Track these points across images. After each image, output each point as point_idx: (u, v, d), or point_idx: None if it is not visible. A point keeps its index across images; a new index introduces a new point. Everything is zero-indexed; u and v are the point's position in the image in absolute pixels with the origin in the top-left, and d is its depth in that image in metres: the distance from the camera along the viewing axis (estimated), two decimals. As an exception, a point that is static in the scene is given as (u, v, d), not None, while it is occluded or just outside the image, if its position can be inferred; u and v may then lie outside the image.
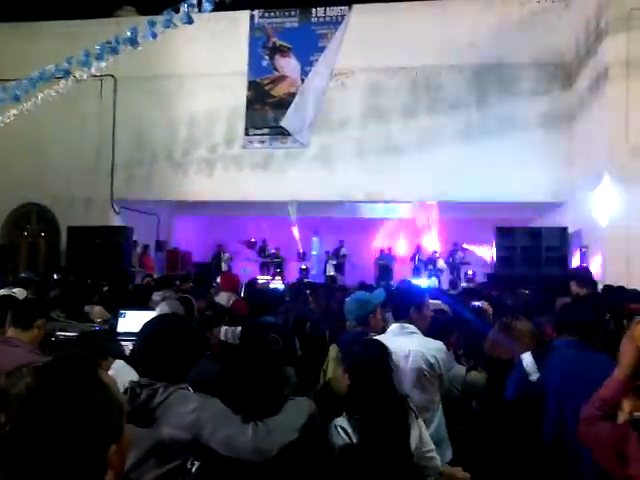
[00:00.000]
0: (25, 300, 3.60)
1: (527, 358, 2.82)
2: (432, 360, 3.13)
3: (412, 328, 3.24)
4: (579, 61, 11.62)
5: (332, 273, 15.91)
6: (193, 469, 2.18)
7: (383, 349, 2.70)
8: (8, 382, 1.03)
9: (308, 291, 7.08)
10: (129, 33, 7.16)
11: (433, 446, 2.68)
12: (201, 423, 2.15)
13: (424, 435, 2.63)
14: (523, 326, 3.08)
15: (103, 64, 7.80)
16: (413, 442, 2.53)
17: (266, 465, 2.17)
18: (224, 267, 16.07)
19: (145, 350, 2.34)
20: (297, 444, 2.23)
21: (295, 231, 16.74)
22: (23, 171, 13.83)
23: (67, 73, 7.97)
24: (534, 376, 2.76)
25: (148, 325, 2.50)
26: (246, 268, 16.03)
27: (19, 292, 5.42)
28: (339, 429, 2.45)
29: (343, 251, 16.67)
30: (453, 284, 14.40)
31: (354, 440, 2.42)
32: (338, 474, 2.39)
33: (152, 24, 6.84)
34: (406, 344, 3.13)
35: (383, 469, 2.36)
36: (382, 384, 2.57)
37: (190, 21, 6.47)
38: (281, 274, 16.45)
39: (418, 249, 16.33)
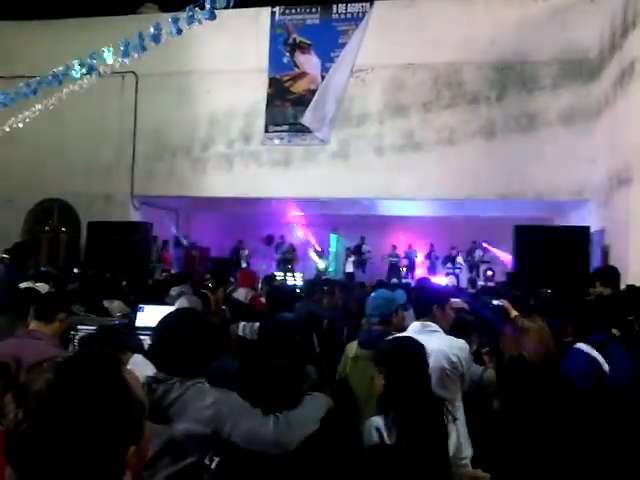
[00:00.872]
0: (48, 293, 3.64)
1: (586, 348, 2.74)
2: (454, 359, 3.09)
3: (433, 326, 3.19)
4: (603, 57, 11.43)
5: (351, 270, 15.90)
6: (212, 465, 2.16)
7: (419, 347, 2.65)
8: (28, 377, 1.01)
9: (325, 288, 7.05)
10: (152, 30, 7.17)
11: (467, 452, 2.63)
12: (221, 417, 2.13)
13: (461, 441, 2.58)
14: (532, 324, 3.02)
15: (126, 60, 7.83)
16: (451, 448, 2.49)
17: (285, 459, 2.15)
18: (243, 263, 16.13)
19: (162, 344, 2.33)
20: (316, 437, 2.21)
21: (313, 228, 16.76)
22: (45, 167, 14.00)
23: (92, 69, 8.00)
24: (606, 366, 2.68)
25: (165, 319, 2.49)
26: (262, 264, 16.07)
27: (41, 286, 5.48)
28: (373, 430, 2.40)
29: (364, 248, 16.62)
30: (472, 282, 14.30)
31: (387, 442, 2.37)
32: (368, 475, 2.35)
33: (175, 21, 6.84)
34: (428, 343, 3.09)
35: (419, 475, 2.30)
36: (419, 384, 2.52)
37: (213, 17, 6.45)
38: (296, 271, 16.47)
39: (432, 247, 16.25)
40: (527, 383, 2.88)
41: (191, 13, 6.70)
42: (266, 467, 2.15)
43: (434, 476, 2.34)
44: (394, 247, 16.70)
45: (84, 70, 7.88)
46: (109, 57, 7.53)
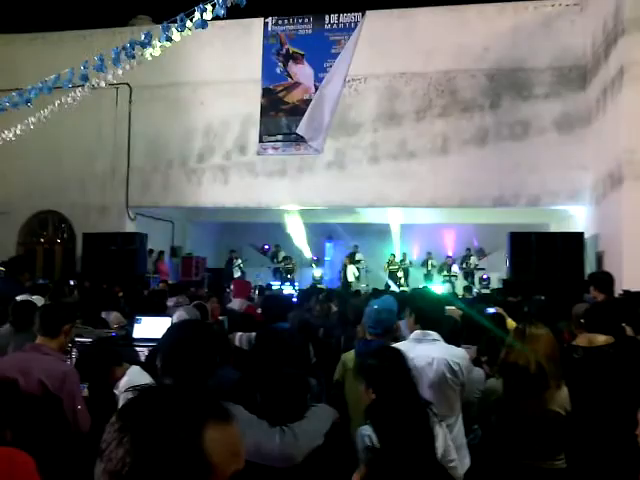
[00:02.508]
0: (49, 307, 3.61)
1: None
2: (455, 367, 3.11)
3: (435, 335, 3.20)
4: (594, 64, 11.54)
5: (352, 279, 15.92)
6: None
7: (399, 356, 2.68)
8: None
9: (320, 296, 7.07)
10: (143, 37, 7.21)
11: (455, 455, 2.65)
12: None
13: (448, 443, 2.61)
14: (538, 331, 3.05)
15: (120, 71, 7.85)
16: (439, 450, 2.51)
17: (291, 472, 2.16)
18: (237, 273, 16.12)
19: (170, 354, 2.34)
20: (321, 450, 2.23)
21: (308, 237, 16.77)
22: (40, 179, 13.99)
23: (85, 78, 8.01)
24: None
25: (173, 329, 2.51)
26: (258, 274, 16.06)
27: (37, 299, 5.48)
28: (365, 438, 2.42)
29: (358, 256, 16.66)
30: (468, 290, 14.33)
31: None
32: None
33: (166, 29, 6.88)
34: (429, 351, 3.11)
35: (409, 476, 2.33)
36: (407, 394, 2.55)
37: (204, 26, 6.49)
38: (292, 280, 16.48)
39: (428, 255, 16.29)
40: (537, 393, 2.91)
41: (182, 22, 6.74)
42: (274, 474, 2.16)
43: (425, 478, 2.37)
44: (393, 255, 16.73)
45: (77, 79, 7.90)
46: (100, 65, 7.55)
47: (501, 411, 3.07)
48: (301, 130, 12.69)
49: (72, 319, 3.74)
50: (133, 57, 7.46)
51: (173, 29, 6.91)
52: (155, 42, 7.31)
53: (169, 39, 7.09)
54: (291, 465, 2.16)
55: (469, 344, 3.99)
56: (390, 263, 16.55)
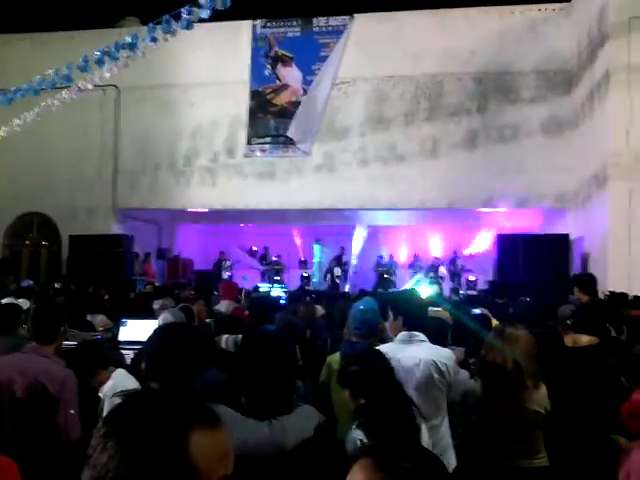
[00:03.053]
0: (42, 311, 3.53)
1: None
2: (443, 368, 3.13)
3: (421, 336, 3.22)
4: (580, 68, 11.65)
5: (338, 281, 15.93)
6: None
7: (381, 357, 2.69)
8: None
9: (307, 298, 7.07)
10: (129, 39, 7.19)
11: (451, 462, 2.66)
12: None
13: (428, 442, 2.62)
14: (517, 332, 3.08)
15: (107, 74, 7.82)
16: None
17: (279, 465, 2.16)
18: (225, 275, 16.07)
19: (155, 358, 2.33)
20: (310, 446, 2.23)
21: (297, 239, 16.77)
22: (25, 180, 13.88)
23: (69, 79, 7.97)
24: None
25: (159, 332, 2.50)
26: (246, 276, 16.02)
27: (23, 302, 5.43)
28: (357, 442, 2.42)
29: (345, 258, 16.68)
30: (454, 291, 14.37)
31: None
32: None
33: (152, 29, 6.87)
34: (416, 352, 3.12)
35: None
36: (392, 392, 2.56)
37: (189, 27, 6.49)
38: (281, 282, 16.46)
39: (416, 257, 16.34)
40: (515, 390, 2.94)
41: (168, 24, 6.74)
42: (259, 474, 2.15)
43: None
44: (381, 257, 16.75)
45: (61, 80, 7.85)
46: (84, 66, 7.51)
47: (480, 411, 3.09)
48: (291, 133, 12.73)
49: (65, 320, 3.73)
50: (118, 59, 7.43)
51: (159, 30, 6.90)
52: (142, 44, 7.30)
53: (154, 40, 7.08)
54: (280, 453, 2.16)
55: (456, 345, 4.01)
56: (378, 265, 16.57)
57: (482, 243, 15.22)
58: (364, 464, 1.09)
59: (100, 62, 7.36)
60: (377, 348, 3.03)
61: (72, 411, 3.14)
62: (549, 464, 2.87)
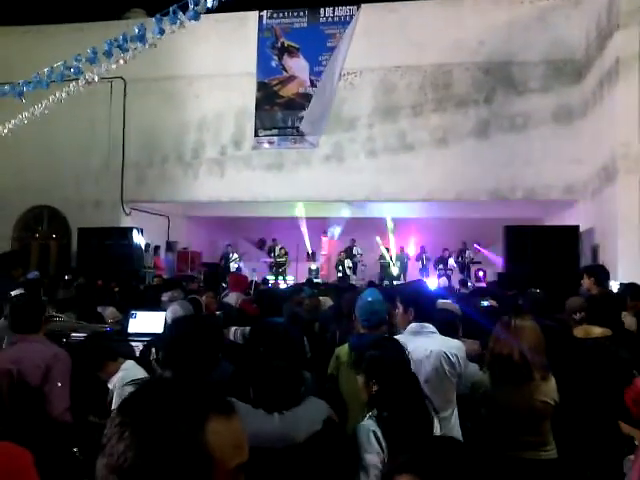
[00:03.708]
0: (23, 305, 3.59)
1: None
2: (453, 359, 3.12)
3: (431, 327, 3.21)
4: (589, 57, 11.54)
5: (348, 273, 15.93)
6: None
7: (399, 346, 2.67)
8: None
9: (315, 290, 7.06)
10: (137, 31, 7.17)
11: None
12: None
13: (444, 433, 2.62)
14: (523, 323, 3.06)
15: (113, 65, 7.81)
16: None
17: (289, 458, 2.16)
18: (233, 267, 16.11)
19: (173, 346, 2.35)
20: (321, 436, 2.23)
21: (304, 231, 16.76)
22: (34, 174, 13.93)
23: (78, 71, 7.97)
24: None
25: (179, 323, 2.52)
26: (256, 268, 16.06)
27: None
28: (370, 434, 2.41)
29: (355, 250, 16.66)
30: (463, 283, 14.34)
31: (383, 444, 2.37)
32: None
33: (159, 21, 6.85)
34: (427, 344, 3.12)
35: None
36: (410, 386, 2.55)
37: (197, 18, 6.46)
38: (285, 274, 16.49)
39: (422, 249, 16.30)
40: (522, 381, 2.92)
41: (175, 15, 6.71)
42: (268, 467, 2.15)
43: None
44: (387, 249, 16.74)
45: (70, 72, 7.85)
46: (93, 58, 7.51)
47: (488, 403, 3.08)
48: (305, 127, 12.71)
49: (44, 307, 3.78)
50: (126, 50, 7.42)
51: (166, 22, 6.88)
52: (148, 35, 7.28)
53: (162, 32, 7.06)
54: (292, 445, 2.16)
55: (467, 337, 3.99)
56: (384, 257, 16.56)
57: (491, 235, 15.14)
58: None
59: (108, 54, 7.35)
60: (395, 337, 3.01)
61: (59, 384, 3.21)
62: (557, 456, 2.86)
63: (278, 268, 16.68)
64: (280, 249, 17.03)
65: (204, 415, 0.97)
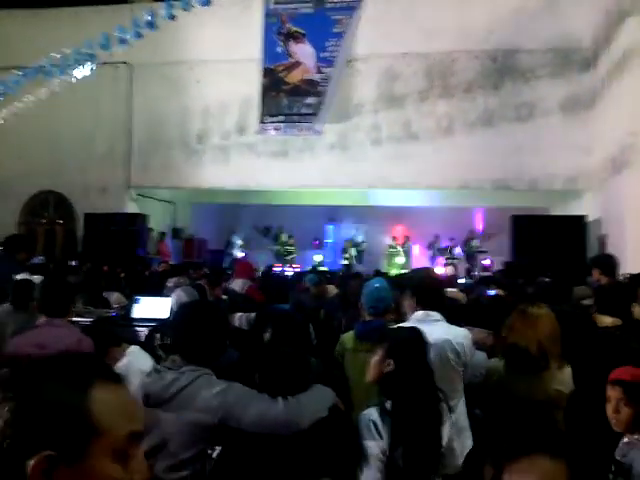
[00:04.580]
0: (56, 286, 3.53)
1: None
2: (459, 348, 3.09)
3: (437, 315, 3.17)
4: (598, 45, 11.40)
5: (353, 261, 15.93)
6: (214, 454, 2.17)
7: (422, 334, 2.65)
8: None
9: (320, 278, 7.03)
10: (148, 17, 7.13)
11: (466, 443, 2.63)
12: (227, 406, 2.15)
13: (456, 427, 2.60)
14: (539, 311, 3.03)
15: (119, 50, 7.79)
16: (445, 437, 2.49)
17: (292, 445, 2.15)
18: (238, 254, 16.12)
19: (182, 331, 2.35)
20: (325, 425, 2.22)
21: (309, 220, 16.75)
22: (40, 159, 13.92)
23: (92, 57, 7.96)
24: None
25: (187, 307, 2.53)
26: (261, 255, 16.07)
27: (37, 278, 5.46)
28: (370, 423, 2.40)
29: (359, 238, 16.65)
30: (469, 272, 14.32)
31: (383, 433, 2.36)
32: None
33: (170, 6, 6.81)
34: (432, 332, 3.08)
35: (412, 465, 2.31)
36: (425, 374, 2.52)
37: (207, 3, 6.43)
38: (294, 261, 16.51)
39: (436, 237, 16.25)
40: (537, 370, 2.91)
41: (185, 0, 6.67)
42: (271, 454, 2.15)
43: (426, 467, 2.35)
44: (394, 238, 16.72)
45: (83, 58, 7.83)
46: (105, 44, 7.49)
47: (502, 391, 3.06)
48: (321, 117, 12.66)
49: (74, 298, 3.74)
50: (140, 36, 7.40)
51: (177, 7, 6.84)
52: (159, 20, 7.25)
53: (172, 17, 7.03)
54: (297, 431, 2.15)
55: (472, 326, 3.97)
56: (394, 247, 16.54)
57: (497, 224, 15.08)
58: (540, 459, 1.08)
59: (122, 41, 7.33)
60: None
61: None
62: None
63: (286, 256, 16.71)
64: (289, 237, 17.05)
65: (88, 382, 0.95)
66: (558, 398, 2.90)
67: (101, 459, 0.94)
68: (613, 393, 2.40)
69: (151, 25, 7.03)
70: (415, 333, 2.65)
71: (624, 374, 2.40)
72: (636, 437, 2.31)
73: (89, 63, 8.20)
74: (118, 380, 1.01)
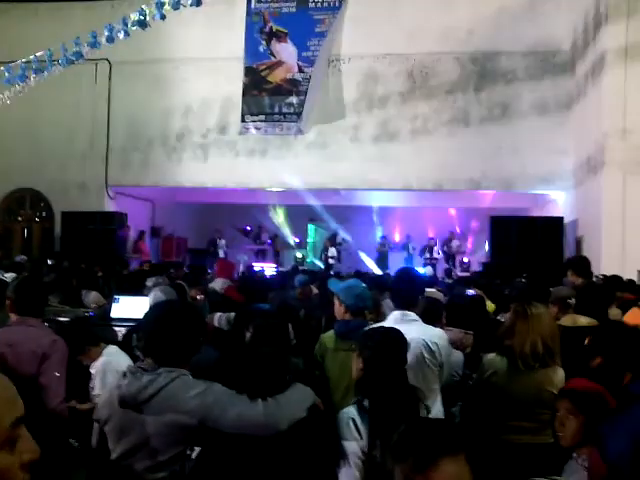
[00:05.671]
0: (30, 285, 3.45)
1: None
2: (434, 348, 3.11)
3: (413, 315, 3.21)
4: (577, 49, 11.56)
5: (331, 261, 15.95)
6: (193, 455, 2.16)
7: (403, 339, 2.66)
8: None
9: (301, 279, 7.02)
10: (138, 15, 7.05)
11: None
12: (206, 406, 2.13)
13: None
14: (539, 311, 3.07)
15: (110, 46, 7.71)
16: None
17: (271, 445, 2.15)
18: (221, 254, 16.05)
19: (153, 333, 2.31)
20: (304, 425, 2.22)
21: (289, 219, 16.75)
22: (17, 156, 13.73)
23: (80, 55, 7.86)
24: None
25: (156, 309, 2.48)
26: (243, 255, 16.02)
27: (10, 276, 5.39)
28: (350, 421, 2.40)
29: (339, 238, 16.68)
30: (448, 273, 14.43)
31: (362, 431, 2.37)
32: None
33: (161, 5, 6.74)
34: (408, 332, 3.09)
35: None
36: (396, 372, 2.53)
37: (198, 4, 6.39)
38: (277, 261, 16.50)
39: (408, 238, 16.35)
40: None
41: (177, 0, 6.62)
42: (250, 454, 2.15)
43: None
44: (384, 237, 16.80)
45: (72, 56, 7.73)
46: (93, 42, 7.40)
47: (495, 386, 3.09)
48: (304, 117, 12.64)
49: (47, 292, 3.68)
50: (128, 34, 7.32)
51: (167, 6, 6.78)
52: (150, 20, 7.18)
53: (163, 17, 6.97)
54: (275, 433, 2.15)
55: (451, 326, 4.01)
56: (382, 245, 16.61)
57: (476, 225, 15.24)
58: (443, 464, 1.11)
59: (110, 39, 7.24)
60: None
61: (57, 374, 3.11)
62: (554, 440, 2.86)
63: (276, 256, 16.80)
64: (276, 237, 17.10)
65: None
66: (548, 399, 2.93)
67: None
68: (561, 405, 2.43)
69: (143, 24, 6.95)
70: (386, 334, 2.66)
71: (575, 385, 2.44)
72: (580, 460, 2.32)
73: (81, 61, 8.10)
74: None
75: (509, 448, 2.97)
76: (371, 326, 3.08)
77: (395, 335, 2.65)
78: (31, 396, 2.94)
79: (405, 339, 2.66)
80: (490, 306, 5.05)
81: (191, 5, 6.48)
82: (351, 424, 2.38)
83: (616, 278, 5.44)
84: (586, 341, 3.03)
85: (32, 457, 1.00)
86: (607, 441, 1.99)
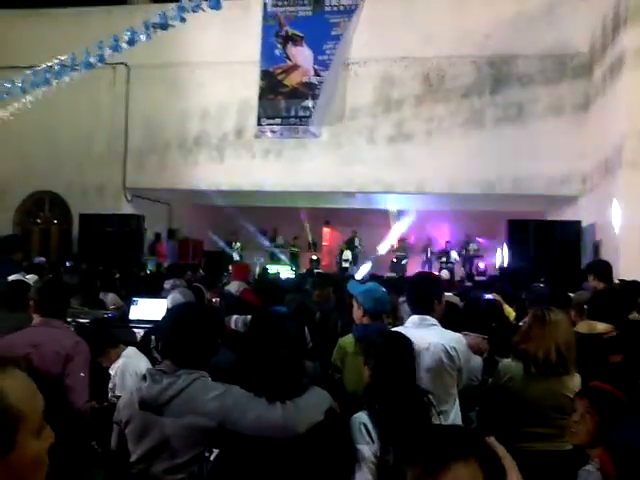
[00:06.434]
0: (54, 287, 3.49)
1: None
2: (452, 352, 3.09)
3: (432, 320, 3.18)
4: (595, 51, 11.46)
5: (348, 265, 15.93)
6: (211, 457, 2.17)
7: (407, 342, 2.66)
8: None
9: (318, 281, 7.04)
10: (159, 18, 7.15)
11: None
12: (225, 409, 2.14)
13: None
14: (558, 317, 3.05)
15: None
16: None
17: (289, 448, 2.15)
18: (236, 256, 16.11)
19: (172, 335, 2.32)
20: (321, 429, 2.22)
21: (306, 222, 16.76)
22: (36, 159, 13.89)
23: (102, 58, 7.99)
24: None
25: (177, 311, 2.50)
26: (259, 258, 16.08)
27: (31, 278, 5.44)
28: (361, 426, 2.40)
29: (357, 242, 16.66)
30: (469, 276, 14.33)
31: (374, 436, 2.37)
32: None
33: (182, 9, 6.82)
34: (426, 336, 3.08)
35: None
36: (404, 377, 2.52)
37: (218, 7, 6.45)
38: (295, 264, 16.54)
39: (430, 241, 16.27)
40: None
41: (197, 3, 6.69)
42: (268, 457, 2.15)
43: None
44: (400, 241, 16.74)
45: (95, 60, 7.85)
46: (115, 45, 7.51)
47: (511, 391, 3.07)
48: (314, 119, 12.66)
49: (70, 297, 3.72)
50: (150, 37, 7.43)
51: (187, 10, 6.85)
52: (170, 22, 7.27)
53: (183, 20, 7.06)
54: (294, 435, 2.16)
55: (469, 331, 3.98)
56: (399, 249, 16.56)
57: (493, 228, 15.12)
58: (454, 468, 1.12)
59: (131, 42, 7.35)
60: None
61: (82, 374, 3.15)
62: (572, 447, 2.83)
63: (293, 258, 16.85)
64: (294, 239, 17.14)
65: None
66: (565, 405, 2.91)
67: (28, 441, 0.99)
68: (580, 403, 2.41)
69: (165, 26, 7.04)
70: (389, 341, 2.65)
71: (597, 385, 2.43)
72: (594, 463, 2.30)
73: (100, 64, 8.22)
74: (6, 364, 1.04)
75: (524, 455, 2.94)
76: (376, 330, 3.08)
77: (398, 340, 2.65)
78: (55, 396, 2.99)
79: (410, 341, 2.66)
80: (509, 311, 5.01)
81: (211, 8, 6.54)
82: (363, 429, 2.38)
83: (636, 283, 5.36)
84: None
85: (52, 442, 1.06)
86: (617, 442, 1.98)
